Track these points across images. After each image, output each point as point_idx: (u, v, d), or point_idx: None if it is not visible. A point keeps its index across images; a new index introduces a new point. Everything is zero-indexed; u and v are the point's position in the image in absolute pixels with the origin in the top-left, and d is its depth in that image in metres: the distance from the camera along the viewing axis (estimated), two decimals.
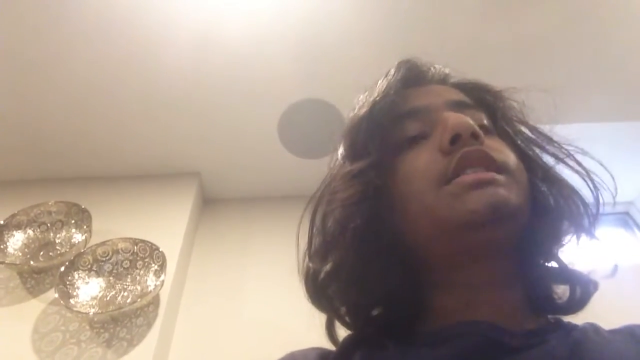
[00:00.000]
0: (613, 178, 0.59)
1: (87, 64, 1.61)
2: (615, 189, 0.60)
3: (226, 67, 1.66)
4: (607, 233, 2.17)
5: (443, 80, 0.66)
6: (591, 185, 0.59)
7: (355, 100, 0.65)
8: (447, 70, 0.67)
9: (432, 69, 0.66)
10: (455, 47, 1.66)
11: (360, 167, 0.57)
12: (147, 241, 1.51)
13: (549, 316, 0.57)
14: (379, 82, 0.63)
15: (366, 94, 0.63)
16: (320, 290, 0.59)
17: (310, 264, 0.60)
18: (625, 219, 2.26)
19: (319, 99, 1.75)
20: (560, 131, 0.62)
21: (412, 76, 0.64)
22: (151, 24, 1.54)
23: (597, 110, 1.88)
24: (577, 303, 0.57)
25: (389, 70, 0.64)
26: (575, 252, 0.59)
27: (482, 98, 0.63)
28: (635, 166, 2.03)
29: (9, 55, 1.58)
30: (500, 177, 0.50)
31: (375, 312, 0.58)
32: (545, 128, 0.63)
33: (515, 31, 1.66)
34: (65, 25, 1.52)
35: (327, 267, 0.58)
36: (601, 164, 0.60)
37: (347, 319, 0.60)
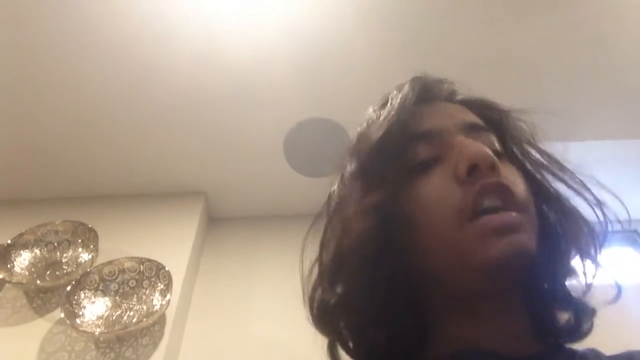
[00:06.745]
0: (625, 206, 0.58)
1: (93, 85, 1.63)
2: (629, 220, 0.59)
3: (231, 87, 1.67)
4: (614, 251, 2.15)
5: (452, 94, 0.65)
6: (601, 217, 0.57)
7: (365, 114, 0.63)
8: (455, 86, 0.66)
9: (441, 83, 0.65)
10: (458, 65, 1.67)
11: (377, 200, 0.55)
12: (153, 260, 1.51)
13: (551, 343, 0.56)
14: (391, 99, 0.61)
15: (376, 109, 0.62)
16: (327, 317, 0.58)
17: (320, 289, 0.59)
18: (633, 237, 2.23)
19: (324, 118, 1.76)
20: (570, 149, 0.60)
21: (423, 92, 0.62)
22: (156, 45, 1.56)
23: (607, 128, 1.88)
24: (581, 331, 0.56)
25: (401, 87, 0.62)
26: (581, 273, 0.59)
27: (491, 118, 0.62)
28: None
29: (17, 77, 1.60)
30: (521, 220, 0.49)
31: (381, 341, 0.56)
32: (557, 151, 0.61)
33: (517, 46, 1.67)
34: (74, 48, 1.54)
35: (337, 293, 0.57)
36: (614, 194, 0.58)
37: (351, 346, 0.58)
